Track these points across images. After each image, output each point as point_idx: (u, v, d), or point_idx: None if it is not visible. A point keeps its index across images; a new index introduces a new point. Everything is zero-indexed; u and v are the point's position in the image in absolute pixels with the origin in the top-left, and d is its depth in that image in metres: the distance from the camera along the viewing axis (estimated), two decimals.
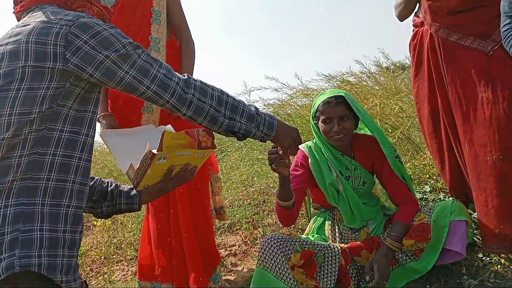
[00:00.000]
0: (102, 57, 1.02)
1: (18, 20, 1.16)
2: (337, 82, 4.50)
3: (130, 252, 2.87)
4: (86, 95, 1.08)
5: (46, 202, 0.99)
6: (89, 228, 3.70)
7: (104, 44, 1.03)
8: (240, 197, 3.51)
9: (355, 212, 1.74)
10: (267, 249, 1.54)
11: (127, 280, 2.51)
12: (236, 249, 2.62)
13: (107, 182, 1.38)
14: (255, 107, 1.24)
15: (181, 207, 1.95)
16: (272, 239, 1.57)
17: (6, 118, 0.98)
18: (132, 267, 2.70)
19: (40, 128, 1.00)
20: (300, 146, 1.86)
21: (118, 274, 2.60)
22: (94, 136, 1.12)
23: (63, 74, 1.02)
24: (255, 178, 3.63)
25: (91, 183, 1.33)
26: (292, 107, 4.38)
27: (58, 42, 1.00)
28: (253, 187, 3.40)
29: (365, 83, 4.07)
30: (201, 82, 1.17)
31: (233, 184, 3.45)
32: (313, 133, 1.87)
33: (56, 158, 1.02)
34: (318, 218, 1.89)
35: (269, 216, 3.16)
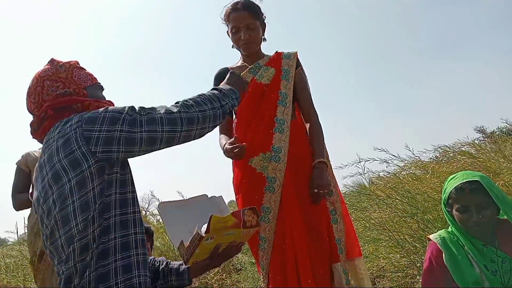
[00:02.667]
0: (117, 133, 1.17)
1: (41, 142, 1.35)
2: (454, 154, 4.15)
3: None
4: (122, 178, 1.23)
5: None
6: None
7: (112, 122, 1.17)
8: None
9: None
10: None
11: None
12: None
13: (159, 261, 1.49)
14: (214, 89, 1.46)
15: None
16: None
17: (74, 228, 1.13)
18: None
19: (100, 223, 1.14)
20: (431, 237, 1.68)
21: None
22: (139, 211, 1.26)
23: (99, 169, 1.16)
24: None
25: None
26: (404, 180, 4.10)
27: (80, 143, 1.15)
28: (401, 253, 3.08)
29: (490, 155, 3.68)
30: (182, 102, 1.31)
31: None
32: (447, 221, 1.65)
33: (117, 240, 1.17)
34: None
35: None
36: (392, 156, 3.50)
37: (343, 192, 4.02)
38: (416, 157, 4.08)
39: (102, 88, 1.45)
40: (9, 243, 7.73)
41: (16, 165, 2.66)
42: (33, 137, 1.38)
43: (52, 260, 1.23)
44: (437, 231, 2.94)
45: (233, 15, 2.07)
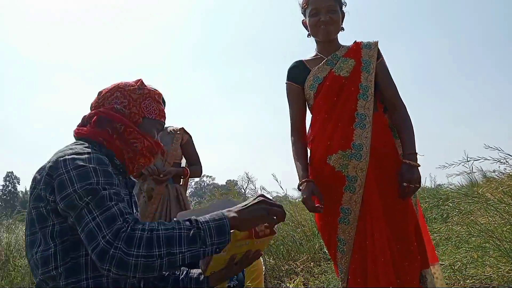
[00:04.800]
0: (57, 202, 1.14)
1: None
2: None
3: None
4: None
5: None
6: None
7: (60, 187, 1.12)
8: None
9: None
10: None
11: None
12: None
13: (180, 270, 1.49)
14: (191, 219, 1.12)
15: None
16: None
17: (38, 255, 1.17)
18: None
19: (67, 260, 1.15)
20: None
21: None
22: None
23: (55, 212, 1.16)
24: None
25: (165, 274, 1.47)
26: None
27: (41, 186, 1.16)
28: None
29: None
30: (133, 228, 1.06)
31: None
32: None
33: (89, 280, 1.17)
34: None
35: None
36: (507, 155, 3.04)
37: (448, 191, 3.66)
38: None
39: (161, 128, 1.49)
40: None
41: None
42: (75, 128, 1.39)
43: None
44: None
45: None
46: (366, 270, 1.81)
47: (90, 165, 1.16)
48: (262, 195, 1.21)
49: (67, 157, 1.17)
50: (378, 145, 1.89)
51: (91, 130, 1.33)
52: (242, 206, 1.18)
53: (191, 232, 1.08)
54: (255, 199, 1.20)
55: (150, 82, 1.50)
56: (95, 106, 1.40)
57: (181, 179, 2.87)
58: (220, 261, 1.32)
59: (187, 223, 1.11)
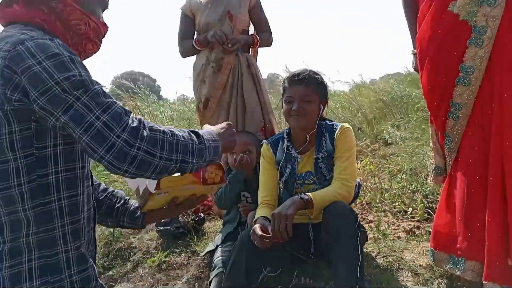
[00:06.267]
0: (32, 100, 0.91)
1: None
2: None
3: (398, 205, 2.58)
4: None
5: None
6: None
7: (34, 82, 0.90)
8: None
9: None
10: None
11: (400, 237, 2.23)
12: None
13: (117, 197, 1.38)
14: (195, 132, 1.09)
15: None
16: None
17: None
18: (402, 221, 2.42)
19: (32, 179, 0.97)
20: None
21: (390, 227, 2.36)
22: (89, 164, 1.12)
23: (18, 114, 0.93)
24: None
25: (101, 197, 1.35)
26: None
27: None
28: None
29: None
30: (151, 128, 0.98)
31: None
32: None
33: (62, 202, 1.01)
34: None
35: None
36: None
37: None
38: None
39: (105, 7, 1.20)
40: (170, 101, 8.60)
41: (181, 11, 2.60)
42: None
43: None
44: None
45: None
46: (485, 138, 1.58)
47: (65, 53, 0.94)
48: (229, 124, 1.23)
49: (28, 43, 0.92)
50: None
51: (23, 10, 1.03)
52: (220, 130, 1.19)
53: (199, 146, 1.07)
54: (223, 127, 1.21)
55: None
56: None
57: (250, 49, 2.60)
58: (161, 201, 1.27)
59: (194, 136, 1.08)
